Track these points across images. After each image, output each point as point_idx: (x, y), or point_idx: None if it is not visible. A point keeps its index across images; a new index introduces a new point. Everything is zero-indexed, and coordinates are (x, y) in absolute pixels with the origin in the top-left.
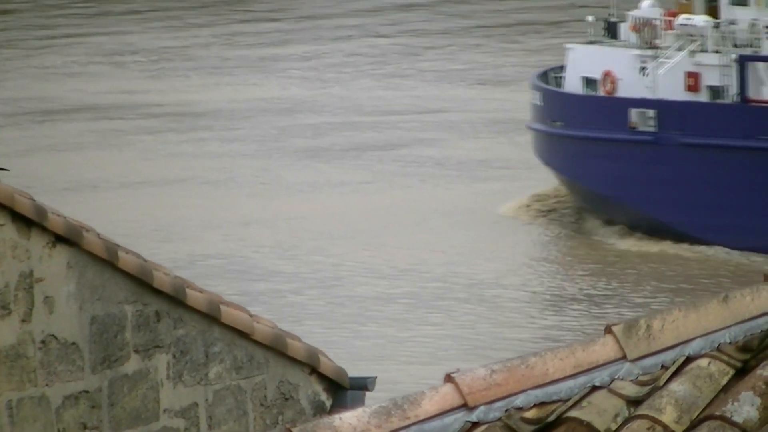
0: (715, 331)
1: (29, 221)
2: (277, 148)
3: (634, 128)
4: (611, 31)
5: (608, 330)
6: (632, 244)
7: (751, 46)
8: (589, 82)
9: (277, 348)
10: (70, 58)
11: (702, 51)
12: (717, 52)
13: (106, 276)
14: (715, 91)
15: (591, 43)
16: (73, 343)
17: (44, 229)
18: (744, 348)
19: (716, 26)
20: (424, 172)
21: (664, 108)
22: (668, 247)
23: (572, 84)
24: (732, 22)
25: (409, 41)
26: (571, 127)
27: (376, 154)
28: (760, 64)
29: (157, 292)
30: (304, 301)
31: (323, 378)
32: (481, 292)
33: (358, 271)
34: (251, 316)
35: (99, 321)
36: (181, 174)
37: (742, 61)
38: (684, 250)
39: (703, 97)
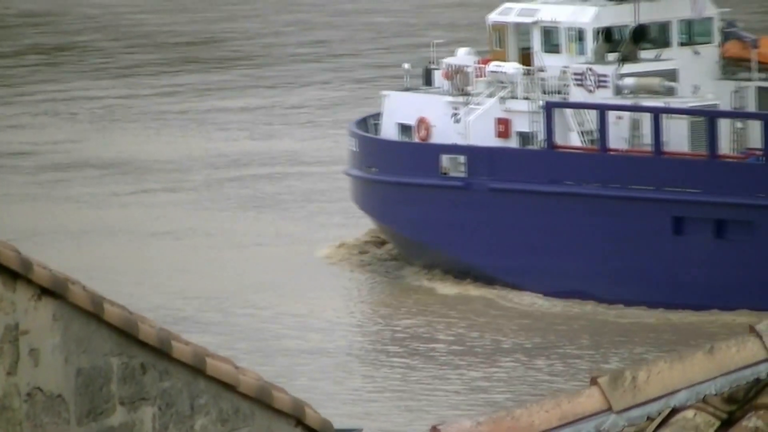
0: (701, 382)
1: (14, 273)
2: (220, 199)
3: (445, 174)
4: (427, 78)
5: (594, 381)
6: (449, 288)
7: (559, 92)
8: (405, 128)
9: (262, 400)
10: (14, 110)
11: (512, 98)
12: (527, 98)
13: (91, 328)
14: (525, 137)
15: (407, 89)
16: (59, 396)
17: (29, 282)
18: (730, 399)
19: (527, 73)
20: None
21: (473, 154)
22: (486, 292)
23: (388, 130)
24: (541, 69)
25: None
26: (384, 173)
27: (322, 206)
28: (568, 111)
29: (143, 344)
30: (237, 354)
31: (309, 430)
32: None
33: (290, 323)
34: (237, 368)
35: (85, 373)
36: (119, 224)
37: (549, 108)
38: (494, 294)
39: (513, 143)
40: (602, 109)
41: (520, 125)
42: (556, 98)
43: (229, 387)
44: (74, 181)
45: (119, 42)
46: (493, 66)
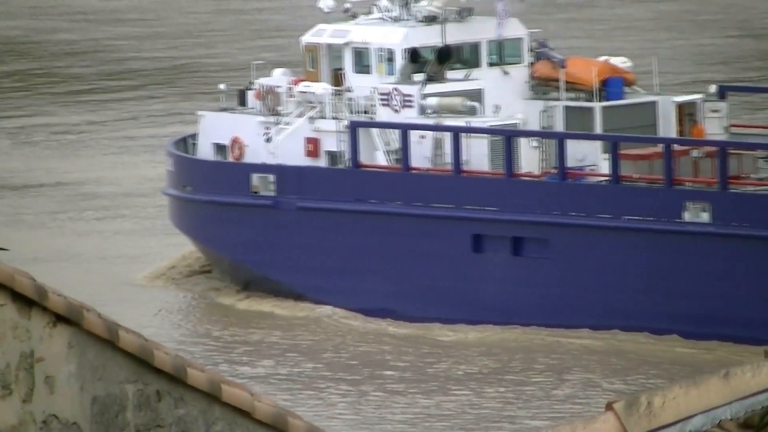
0: (716, 407)
1: (30, 301)
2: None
3: (255, 192)
4: (242, 98)
5: (609, 407)
6: (256, 305)
7: (366, 112)
8: (220, 148)
9: (278, 427)
10: None
11: (321, 117)
12: (335, 118)
13: (107, 356)
14: (334, 157)
15: (222, 110)
16: (74, 423)
17: (45, 309)
18: (745, 425)
19: (336, 93)
20: None
21: (282, 173)
22: (298, 310)
23: (204, 150)
24: (349, 90)
25: None
26: (198, 192)
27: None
28: (374, 131)
29: (158, 372)
30: None
31: None
32: None
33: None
34: (252, 394)
35: (100, 401)
36: (73, 251)
37: (353, 127)
38: (302, 309)
39: (322, 162)
40: (404, 129)
41: (329, 145)
42: (363, 118)
43: (244, 414)
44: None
45: (92, 68)
46: (302, 86)
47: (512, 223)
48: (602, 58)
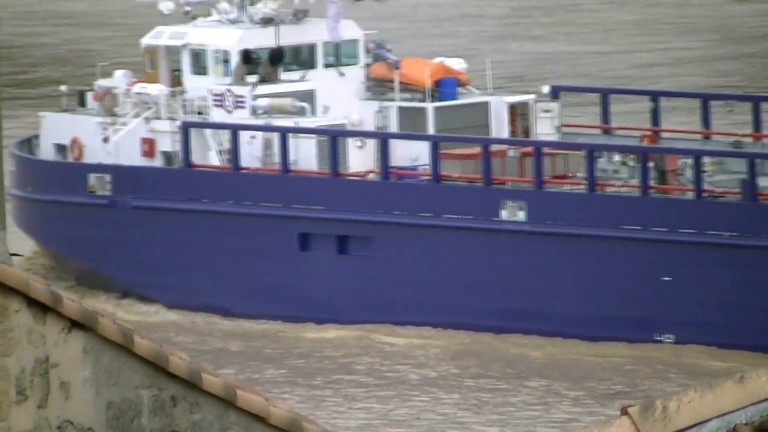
0: (731, 411)
1: (44, 307)
2: None
3: (92, 192)
4: (81, 99)
5: (624, 411)
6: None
7: (201, 113)
8: (60, 148)
9: (293, 431)
10: None
11: (157, 118)
12: (171, 119)
13: (121, 361)
14: (168, 157)
15: (64, 111)
16: (90, 429)
17: (59, 315)
18: (760, 429)
19: (173, 94)
20: None
21: (118, 173)
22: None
23: (46, 150)
24: (183, 91)
25: None
26: (38, 192)
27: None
28: (207, 131)
29: (173, 377)
30: None
31: None
32: None
33: None
34: (267, 399)
35: (115, 406)
36: None
37: (185, 127)
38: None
39: (157, 162)
40: (234, 129)
41: (164, 145)
42: (197, 119)
43: (259, 419)
44: None
45: (70, 74)
46: (137, 87)
47: (337, 222)
48: (437, 59)
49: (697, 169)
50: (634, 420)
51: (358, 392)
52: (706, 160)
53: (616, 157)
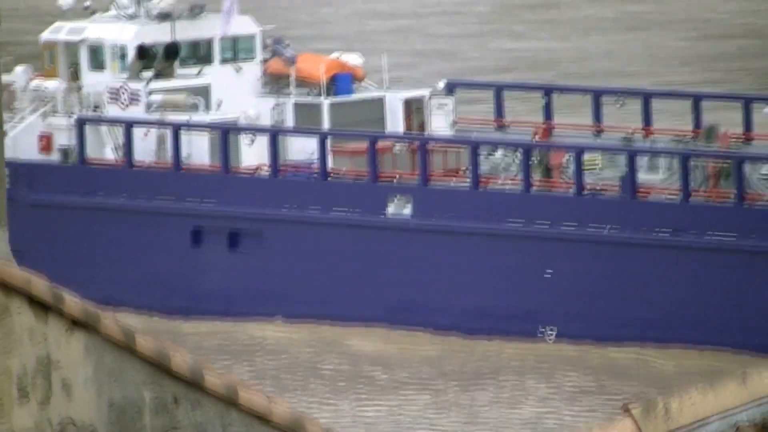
0: (733, 410)
1: (46, 306)
2: None
3: None
4: None
5: (626, 410)
6: None
7: (97, 108)
8: None
9: (295, 431)
10: None
11: (54, 113)
12: (68, 114)
13: (123, 360)
14: (65, 152)
15: None
16: (92, 428)
17: (61, 314)
18: (763, 427)
19: (70, 90)
20: None
21: (15, 168)
22: None
23: None
24: (80, 87)
25: None
26: None
27: None
28: (103, 126)
29: (175, 376)
30: None
31: None
32: None
33: None
34: (269, 398)
35: (117, 405)
36: None
37: (80, 123)
38: None
39: (55, 157)
40: (128, 125)
41: (61, 140)
42: (93, 114)
43: (261, 418)
44: None
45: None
46: (34, 83)
47: (228, 217)
48: (334, 55)
49: (578, 164)
50: (636, 419)
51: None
52: (598, 155)
53: (499, 152)
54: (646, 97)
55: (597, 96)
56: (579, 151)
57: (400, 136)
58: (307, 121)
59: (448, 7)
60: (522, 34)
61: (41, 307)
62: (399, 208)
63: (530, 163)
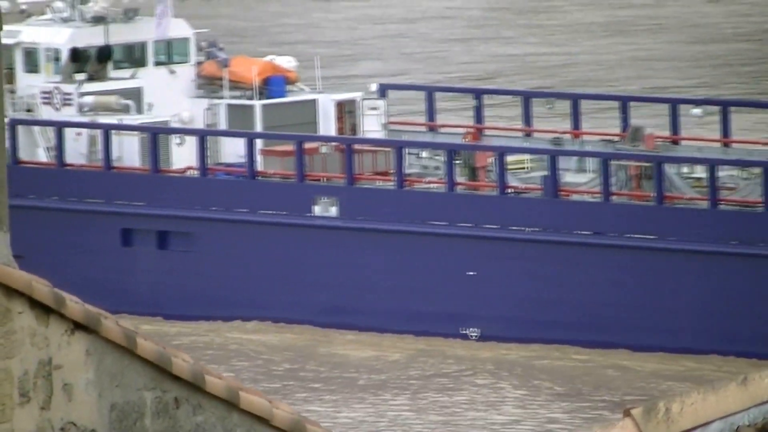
0: (734, 413)
1: (47, 309)
2: None
3: None
4: None
5: (627, 413)
6: None
7: (30, 110)
8: None
9: None
10: None
11: None
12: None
13: (125, 363)
14: None
15: None
16: (93, 431)
17: (62, 317)
18: (763, 430)
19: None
20: None
21: None
22: None
23: None
24: (13, 90)
25: None
26: None
27: None
28: (36, 128)
29: (176, 379)
30: None
31: None
32: None
33: None
34: (270, 401)
35: (118, 408)
36: None
37: (12, 124)
38: None
39: None
40: (59, 126)
41: None
42: (26, 116)
43: (263, 421)
44: None
45: None
46: None
47: (158, 218)
48: (268, 58)
49: (501, 165)
50: (637, 422)
51: None
52: (526, 157)
53: (424, 154)
54: (575, 100)
55: (527, 99)
56: (501, 153)
57: (326, 138)
58: (240, 122)
59: (438, 12)
60: (511, 38)
61: (42, 309)
62: (325, 209)
63: (454, 164)
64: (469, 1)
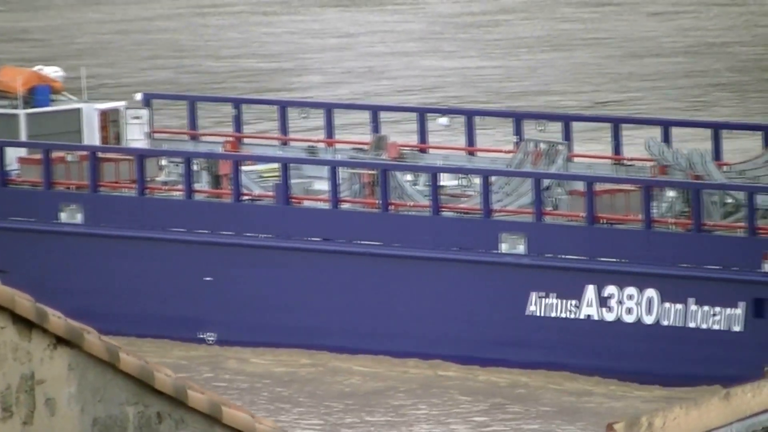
0: (717, 428)
1: (30, 323)
2: None
3: None
4: None
5: (610, 428)
6: None
7: None
8: None
9: None
10: None
11: None
12: None
13: (107, 378)
14: None
15: None
16: None
17: (45, 332)
18: None
19: None
20: None
21: None
22: None
23: None
24: None
25: None
26: None
27: None
28: None
29: (159, 394)
30: None
31: None
32: None
33: None
34: (253, 416)
35: (101, 423)
36: None
37: None
38: None
39: None
40: None
41: None
42: None
43: None
44: None
45: None
46: None
47: None
48: (36, 68)
49: (236, 172)
50: None
51: None
52: (276, 165)
53: (166, 161)
54: (329, 109)
55: (283, 108)
56: (236, 161)
57: (70, 146)
58: (5, 132)
59: (380, 27)
60: (452, 52)
61: (25, 324)
62: (72, 216)
63: (193, 172)
64: (411, 16)
